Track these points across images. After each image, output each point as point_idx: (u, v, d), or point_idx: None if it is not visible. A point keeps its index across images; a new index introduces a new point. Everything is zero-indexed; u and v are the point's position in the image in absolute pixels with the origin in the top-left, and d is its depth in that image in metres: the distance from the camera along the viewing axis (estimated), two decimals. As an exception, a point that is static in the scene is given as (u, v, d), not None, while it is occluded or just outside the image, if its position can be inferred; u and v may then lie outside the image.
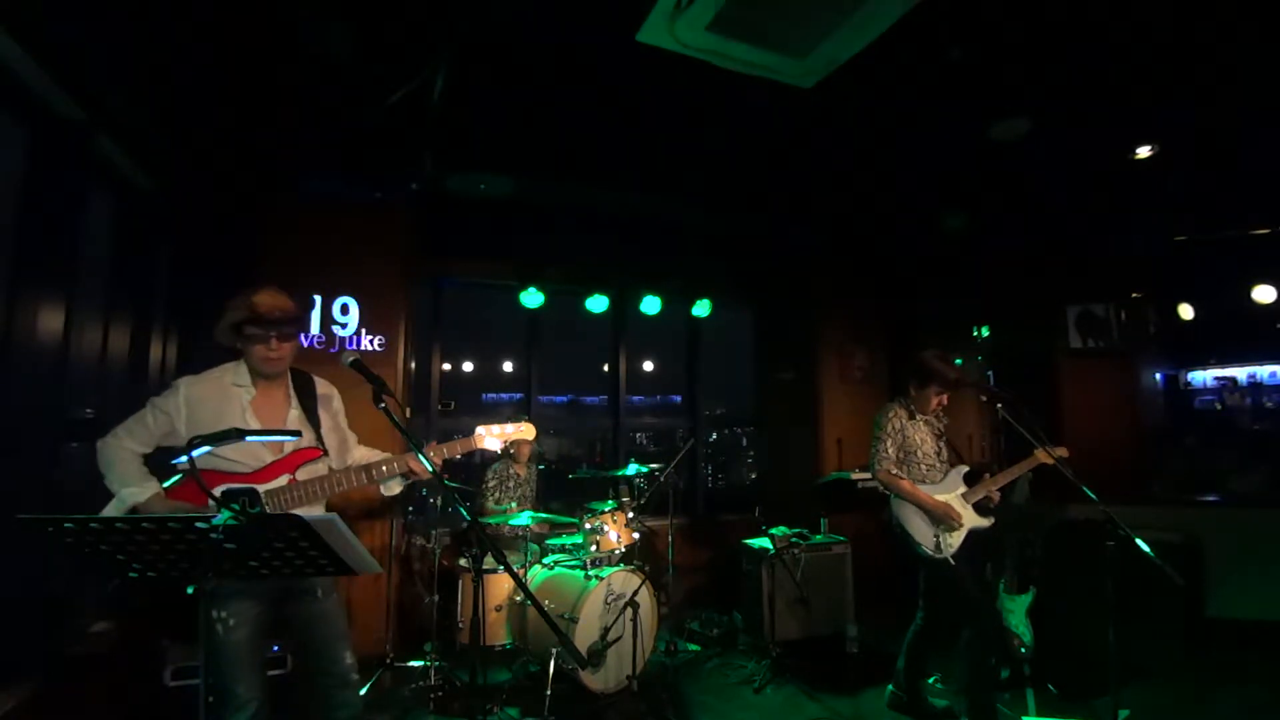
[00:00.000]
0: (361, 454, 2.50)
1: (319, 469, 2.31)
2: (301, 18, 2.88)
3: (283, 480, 2.21)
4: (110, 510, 2.06)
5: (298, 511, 2.13)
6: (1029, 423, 3.13)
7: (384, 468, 2.35)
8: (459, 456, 2.54)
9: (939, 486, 3.30)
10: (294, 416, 2.31)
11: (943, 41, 3.14)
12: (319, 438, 2.32)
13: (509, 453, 4.62)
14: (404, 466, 2.37)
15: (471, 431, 2.58)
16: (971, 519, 3.24)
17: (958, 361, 3.37)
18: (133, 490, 2.06)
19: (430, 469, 2.24)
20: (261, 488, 2.17)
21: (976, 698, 3.08)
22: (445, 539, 4.27)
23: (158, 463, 2.18)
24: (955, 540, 3.17)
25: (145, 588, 3.08)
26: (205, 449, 1.78)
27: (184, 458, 1.71)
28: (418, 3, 2.85)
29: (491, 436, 2.56)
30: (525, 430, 2.66)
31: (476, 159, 4.48)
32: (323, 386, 2.44)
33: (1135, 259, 5.34)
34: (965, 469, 3.38)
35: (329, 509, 2.35)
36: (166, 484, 2.13)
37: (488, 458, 4.77)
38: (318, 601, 2.26)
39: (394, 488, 2.45)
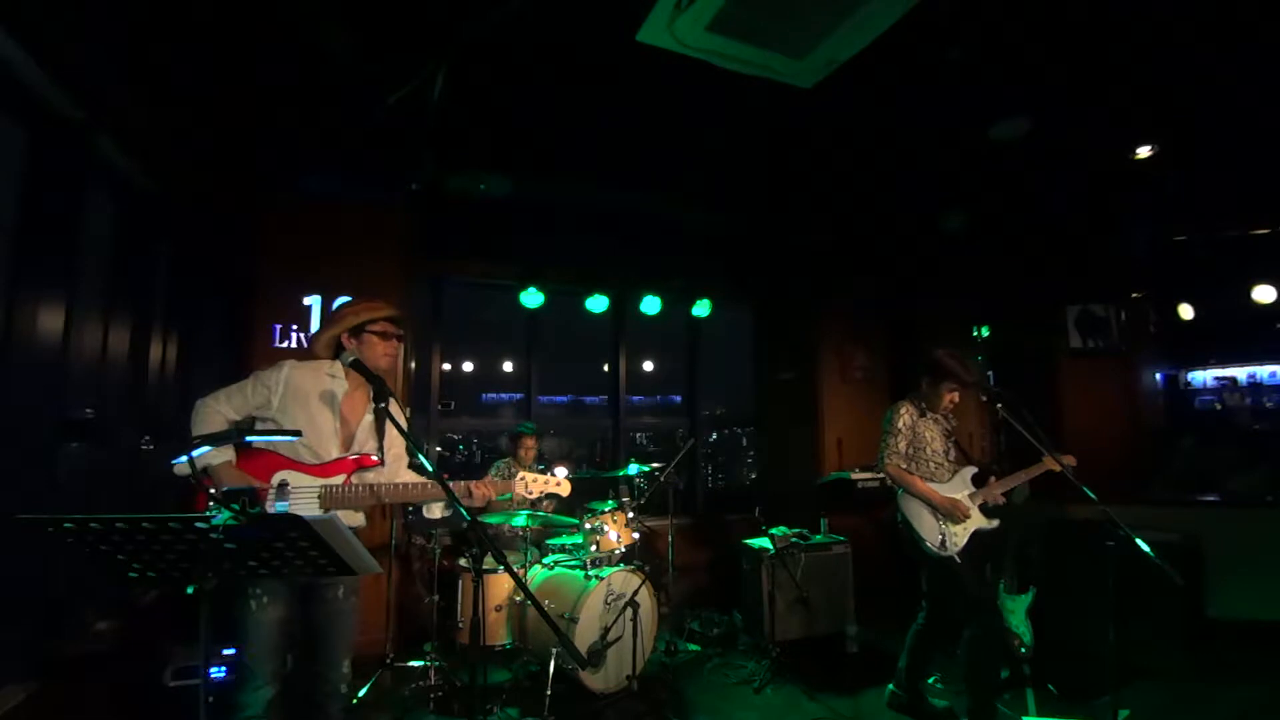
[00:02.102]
0: (409, 478, 2.52)
1: (372, 477, 2.38)
2: (302, 18, 2.88)
3: (339, 479, 2.28)
4: (185, 464, 2.11)
5: (344, 513, 2.24)
6: (1030, 425, 3.13)
7: (429, 489, 2.37)
8: (502, 492, 2.56)
9: (946, 486, 3.30)
10: (368, 421, 2.41)
11: (943, 41, 3.14)
12: (381, 449, 2.38)
13: (514, 453, 4.64)
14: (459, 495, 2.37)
15: (474, 434, 2.60)
16: (977, 519, 3.24)
17: (978, 358, 3.37)
18: (210, 454, 2.15)
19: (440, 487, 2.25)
20: (322, 481, 2.25)
21: (977, 697, 3.09)
22: (445, 539, 4.27)
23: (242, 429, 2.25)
24: (960, 539, 3.18)
25: (145, 588, 3.09)
26: (206, 449, 1.78)
27: (184, 457, 1.72)
28: (418, 3, 2.85)
29: (531, 484, 2.61)
30: (563, 487, 2.68)
31: (476, 159, 4.49)
32: (394, 405, 2.50)
33: (1135, 259, 5.35)
34: (974, 470, 3.38)
35: (368, 517, 2.42)
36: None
37: (490, 457, 4.79)
38: (337, 601, 2.29)
39: (435, 510, 2.50)
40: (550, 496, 4.47)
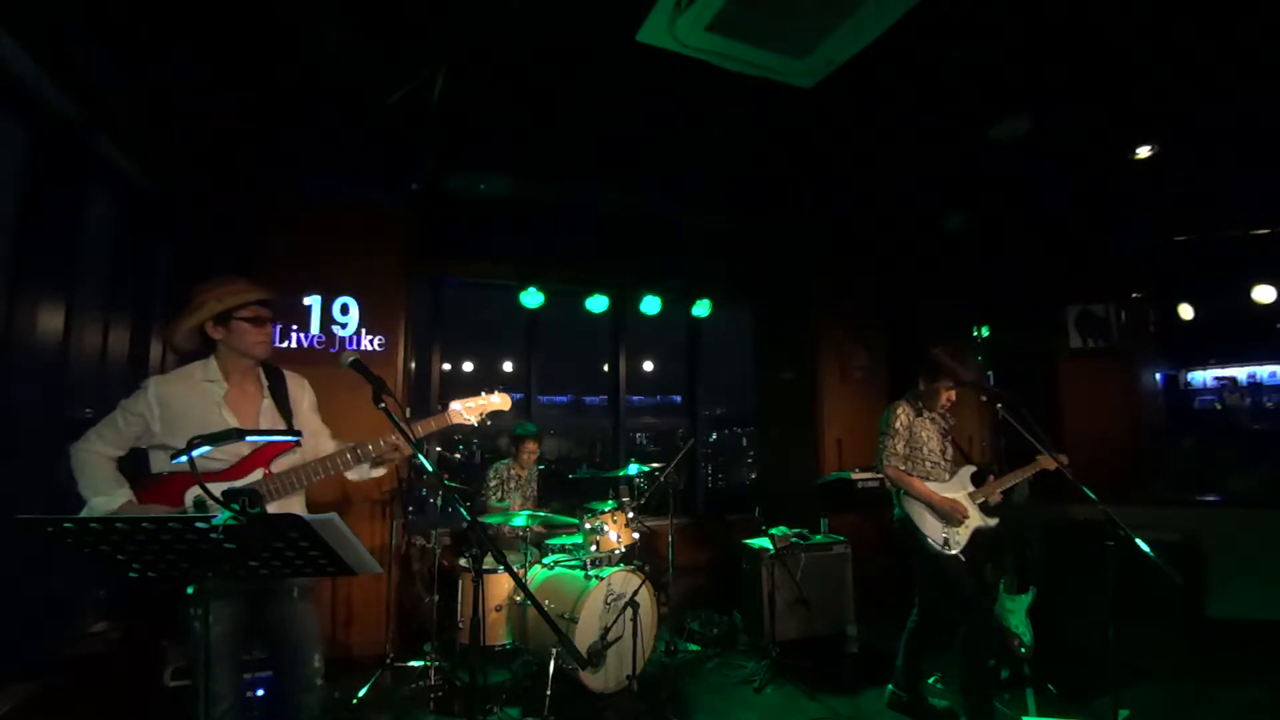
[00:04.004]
0: (332, 447, 2.47)
1: (293, 460, 2.29)
2: (301, 18, 2.88)
3: (258, 474, 2.19)
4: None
5: (275, 505, 2.16)
6: (1030, 425, 3.13)
7: (351, 454, 2.31)
8: (434, 430, 2.49)
9: (946, 485, 3.30)
10: (266, 407, 2.30)
11: (943, 41, 3.14)
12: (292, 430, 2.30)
13: (515, 455, 4.64)
14: (377, 450, 2.33)
15: (474, 433, 2.58)
16: (976, 518, 3.24)
17: (978, 358, 3.37)
18: (103, 499, 2.02)
19: (413, 449, 2.20)
20: (239, 483, 2.14)
21: (974, 696, 3.09)
22: (445, 539, 4.27)
23: (133, 464, 2.16)
24: (962, 538, 3.18)
25: (146, 588, 3.09)
26: (206, 449, 1.78)
27: (184, 457, 1.71)
28: (418, 3, 2.85)
29: (467, 411, 2.52)
30: (500, 401, 2.61)
31: (476, 159, 4.49)
32: (293, 380, 2.43)
33: (1135, 259, 5.35)
34: (973, 469, 3.38)
35: (309, 501, 2.36)
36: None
37: (490, 457, 4.79)
38: (292, 603, 2.24)
39: (365, 471, 2.42)
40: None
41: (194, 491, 2.09)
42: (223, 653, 2.07)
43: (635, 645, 3.51)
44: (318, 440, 2.44)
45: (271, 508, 2.13)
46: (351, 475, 2.42)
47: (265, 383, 2.33)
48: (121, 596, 3.03)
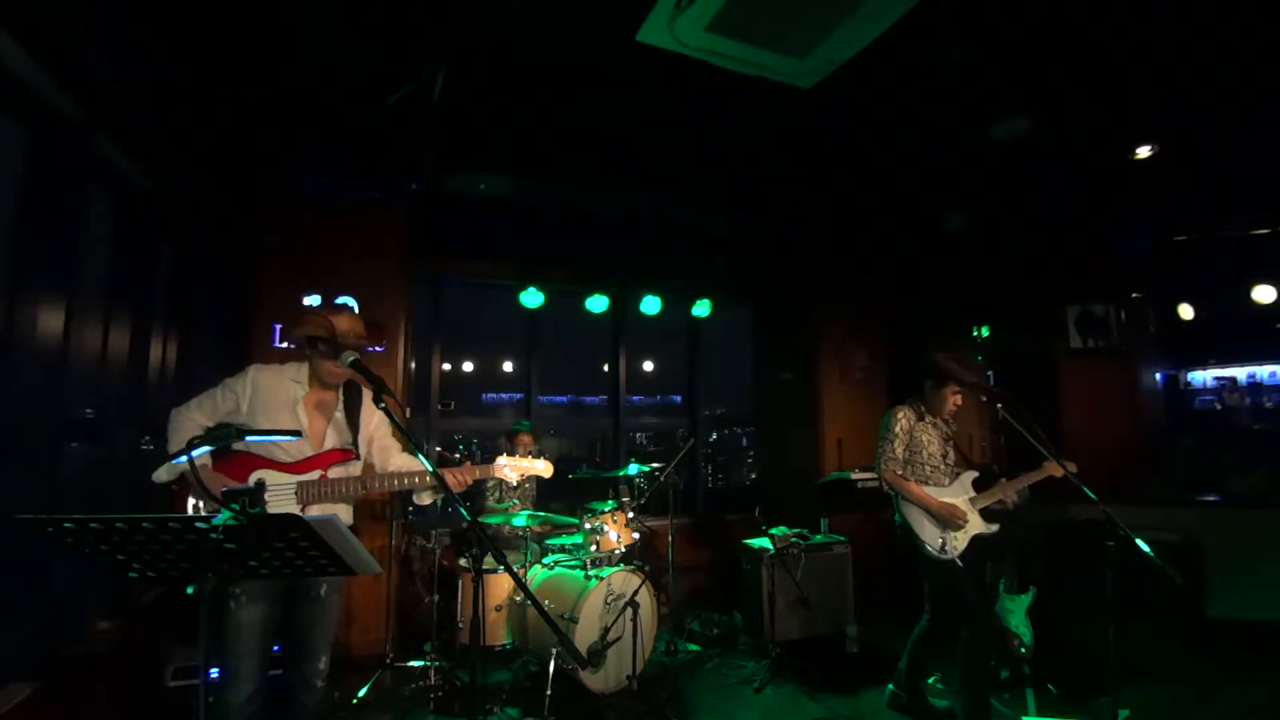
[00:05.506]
0: (402, 462, 2.57)
1: (350, 470, 2.45)
2: (302, 18, 2.88)
3: (315, 475, 2.34)
4: (163, 472, 2.21)
5: (322, 506, 2.32)
6: (1033, 428, 3.12)
7: (415, 480, 2.44)
8: (478, 477, 2.61)
9: (947, 490, 3.28)
10: (338, 418, 2.47)
11: (943, 41, 3.14)
12: (355, 442, 2.46)
13: (511, 451, 4.64)
14: (423, 483, 2.46)
15: (474, 434, 2.65)
16: (976, 524, 3.23)
17: (978, 358, 3.35)
18: (183, 461, 2.16)
19: (413, 447, 2.32)
20: (297, 478, 2.31)
21: (972, 699, 3.08)
22: (445, 539, 4.26)
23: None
24: (960, 543, 3.17)
25: (146, 587, 3.10)
26: (205, 449, 1.78)
27: (183, 458, 1.72)
28: (418, 3, 2.86)
29: (511, 468, 2.67)
30: (544, 469, 2.75)
31: (476, 159, 4.49)
32: (367, 398, 2.57)
33: (1135, 259, 5.34)
34: (974, 475, 3.36)
35: (356, 509, 2.51)
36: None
37: (491, 457, 4.80)
38: (319, 601, 2.34)
39: (424, 498, 2.56)
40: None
41: (259, 473, 2.26)
42: (253, 641, 2.16)
43: (635, 645, 3.51)
44: (386, 457, 2.57)
45: (315, 509, 2.30)
46: (417, 498, 2.58)
47: (342, 397, 2.50)
48: (129, 596, 3.04)
